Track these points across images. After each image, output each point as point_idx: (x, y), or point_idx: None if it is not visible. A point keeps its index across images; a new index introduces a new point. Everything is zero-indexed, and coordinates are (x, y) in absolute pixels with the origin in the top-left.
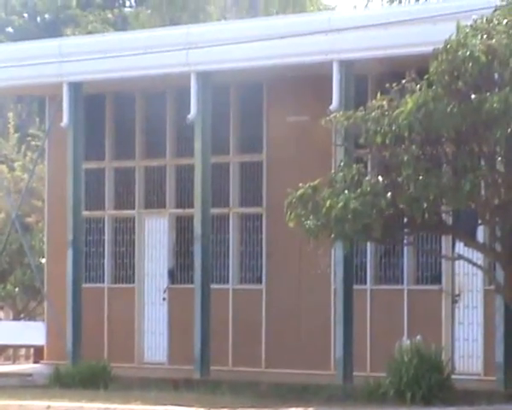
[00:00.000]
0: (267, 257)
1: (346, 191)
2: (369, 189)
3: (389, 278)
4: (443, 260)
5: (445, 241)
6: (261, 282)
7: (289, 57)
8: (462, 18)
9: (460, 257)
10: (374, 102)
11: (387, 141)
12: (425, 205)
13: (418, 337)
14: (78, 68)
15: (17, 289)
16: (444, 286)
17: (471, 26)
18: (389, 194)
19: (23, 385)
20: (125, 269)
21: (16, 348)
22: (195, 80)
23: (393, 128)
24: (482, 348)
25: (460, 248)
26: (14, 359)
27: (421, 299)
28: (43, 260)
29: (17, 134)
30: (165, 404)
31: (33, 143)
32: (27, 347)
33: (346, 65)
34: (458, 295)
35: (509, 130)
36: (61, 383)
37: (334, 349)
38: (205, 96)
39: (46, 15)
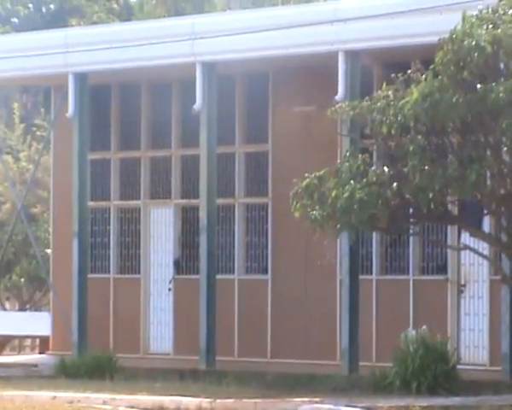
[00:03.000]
0: (272, 251)
1: (352, 181)
2: (374, 179)
3: (395, 268)
4: (449, 251)
5: (451, 231)
6: (267, 272)
7: (295, 47)
8: (468, 8)
9: (466, 247)
10: (379, 92)
11: (393, 131)
12: (431, 195)
13: (424, 327)
14: (83, 59)
15: (23, 280)
16: (449, 276)
17: (477, 16)
18: (395, 184)
19: (29, 376)
20: (131, 259)
21: (22, 338)
22: (201, 71)
23: (399, 118)
24: (488, 338)
25: (466, 238)
26: (20, 349)
27: (427, 289)
28: (49, 251)
29: (22, 125)
30: (170, 394)
31: (39, 133)
32: (33, 337)
33: (352, 55)
34: (464, 285)
35: None
36: (67, 373)
37: (339, 339)
38: (210, 86)
39: (51, 6)
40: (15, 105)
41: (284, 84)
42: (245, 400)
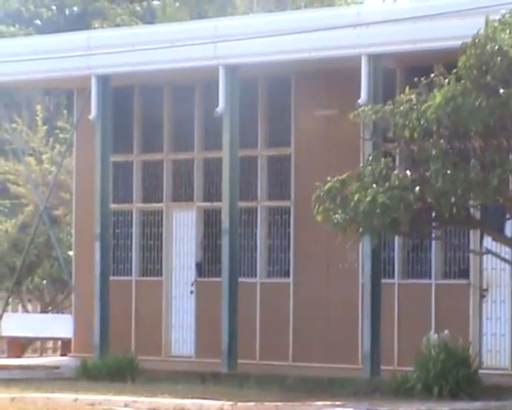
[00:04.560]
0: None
1: (375, 185)
2: (397, 183)
3: (417, 272)
4: (471, 255)
5: (473, 235)
6: (289, 276)
7: (318, 51)
8: (491, 12)
9: (488, 252)
10: (402, 95)
11: (416, 135)
12: (453, 199)
13: (446, 332)
14: (106, 61)
15: (45, 282)
16: (471, 281)
17: (499, 20)
18: (417, 188)
19: (50, 378)
20: (153, 262)
21: (44, 340)
22: (223, 73)
23: (422, 122)
24: (510, 342)
25: (488, 242)
26: (42, 351)
27: (449, 293)
28: (71, 253)
29: (45, 127)
30: (192, 397)
31: (61, 135)
32: (55, 339)
33: (375, 59)
34: (486, 289)
35: None
36: (89, 375)
37: (361, 343)
38: (233, 89)
39: (74, 8)
40: (38, 107)
41: (306, 87)
42: (266, 403)
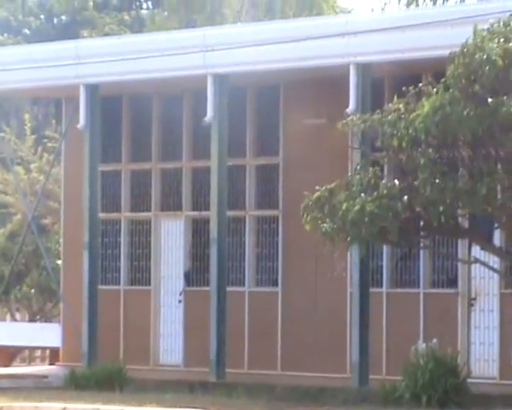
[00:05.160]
0: (283, 263)
1: (363, 194)
2: (385, 192)
3: (405, 281)
4: (459, 264)
5: (462, 244)
6: (277, 285)
7: (306, 60)
8: (479, 21)
9: (476, 261)
10: (390, 105)
11: (404, 144)
12: (441, 208)
13: (434, 341)
14: (94, 70)
15: (33, 291)
16: (460, 290)
17: (488, 29)
18: (405, 197)
19: (39, 387)
20: (141, 271)
21: (32, 349)
22: (212, 83)
23: (410, 131)
24: (498, 351)
25: (476, 251)
26: (30, 360)
27: (438, 302)
28: (59, 262)
29: (33, 136)
30: (180, 407)
31: (50, 144)
32: (43, 348)
33: (363, 68)
34: (474, 298)
35: None
36: (77, 384)
37: (349, 352)
38: (221, 98)
39: (63, 17)
40: (26, 116)
41: (295, 96)
42: None
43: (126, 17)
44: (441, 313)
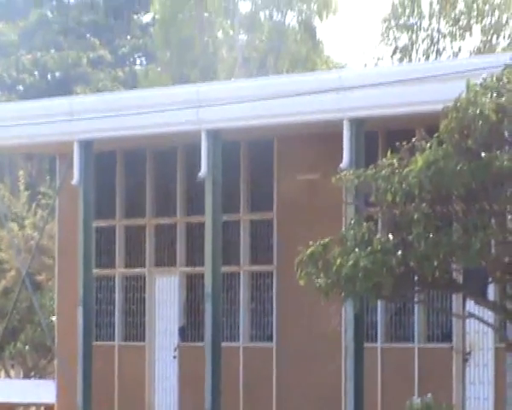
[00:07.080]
0: (277, 318)
1: (357, 249)
2: (379, 247)
3: (400, 336)
4: (453, 319)
5: (456, 299)
6: (272, 340)
7: (299, 115)
8: (472, 76)
9: (471, 315)
10: (384, 160)
11: (398, 199)
12: (435, 263)
13: (429, 396)
14: (88, 126)
15: (27, 348)
16: (454, 344)
17: (481, 84)
18: (399, 252)
19: None
20: (136, 327)
21: (27, 406)
22: (206, 138)
23: (404, 186)
24: (493, 406)
25: (470, 306)
26: None
27: (432, 357)
28: (54, 319)
29: (27, 192)
30: None
31: (44, 201)
32: (38, 405)
33: (357, 123)
34: (469, 353)
35: None
36: None
37: (345, 407)
38: (215, 153)
39: (57, 73)
40: (20, 172)
41: (289, 151)
42: None
43: (120, 73)
44: (436, 367)
